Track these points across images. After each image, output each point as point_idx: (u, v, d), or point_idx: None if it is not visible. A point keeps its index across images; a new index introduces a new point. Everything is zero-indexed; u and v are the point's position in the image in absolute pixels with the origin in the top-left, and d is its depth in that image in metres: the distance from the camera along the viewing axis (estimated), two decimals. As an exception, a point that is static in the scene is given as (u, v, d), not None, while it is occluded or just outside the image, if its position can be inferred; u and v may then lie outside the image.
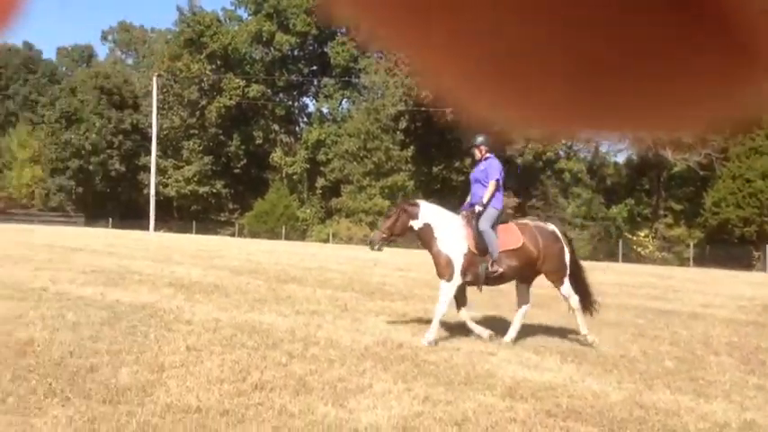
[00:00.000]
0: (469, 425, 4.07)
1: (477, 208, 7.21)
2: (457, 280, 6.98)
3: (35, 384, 4.44)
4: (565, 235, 7.56)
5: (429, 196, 30.86)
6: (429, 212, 7.27)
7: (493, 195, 7.27)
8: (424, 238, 7.23)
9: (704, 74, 0.27)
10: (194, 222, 50.69)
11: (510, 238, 7.14)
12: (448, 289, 6.95)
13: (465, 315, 7.25)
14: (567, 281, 7.18)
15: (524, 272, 7.20)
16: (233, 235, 46.87)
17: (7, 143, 57.13)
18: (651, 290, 14.35)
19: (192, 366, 5.19)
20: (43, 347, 5.41)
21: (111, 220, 49.46)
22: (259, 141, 55.32)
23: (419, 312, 8.63)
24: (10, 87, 62.81)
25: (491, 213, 7.20)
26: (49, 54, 72.66)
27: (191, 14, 53.10)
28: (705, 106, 0.28)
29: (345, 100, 54.86)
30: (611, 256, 36.55)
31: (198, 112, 53.22)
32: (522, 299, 7.25)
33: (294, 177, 52.85)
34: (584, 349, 6.66)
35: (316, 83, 56.54)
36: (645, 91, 0.27)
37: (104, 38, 79.60)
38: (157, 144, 47.87)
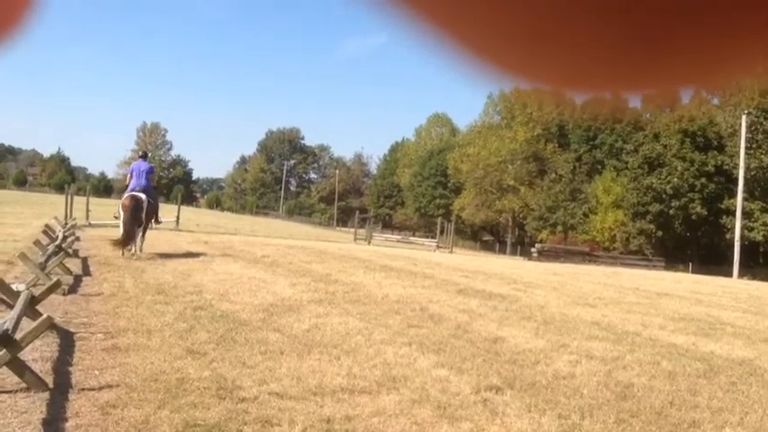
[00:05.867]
0: None
1: None
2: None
3: (638, 430, 4.49)
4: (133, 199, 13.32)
5: None
6: None
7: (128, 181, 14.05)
8: None
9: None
10: (785, 271, 45.55)
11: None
12: None
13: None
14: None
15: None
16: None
17: (593, 189, 61.43)
18: None
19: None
20: (643, 393, 5.46)
21: (690, 264, 48.30)
22: None
23: None
24: (598, 137, 67.74)
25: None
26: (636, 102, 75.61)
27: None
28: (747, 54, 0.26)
29: None
30: None
31: (795, 149, 48.12)
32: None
33: None
34: None
35: None
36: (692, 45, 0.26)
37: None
38: (744, 186, 44.98)
